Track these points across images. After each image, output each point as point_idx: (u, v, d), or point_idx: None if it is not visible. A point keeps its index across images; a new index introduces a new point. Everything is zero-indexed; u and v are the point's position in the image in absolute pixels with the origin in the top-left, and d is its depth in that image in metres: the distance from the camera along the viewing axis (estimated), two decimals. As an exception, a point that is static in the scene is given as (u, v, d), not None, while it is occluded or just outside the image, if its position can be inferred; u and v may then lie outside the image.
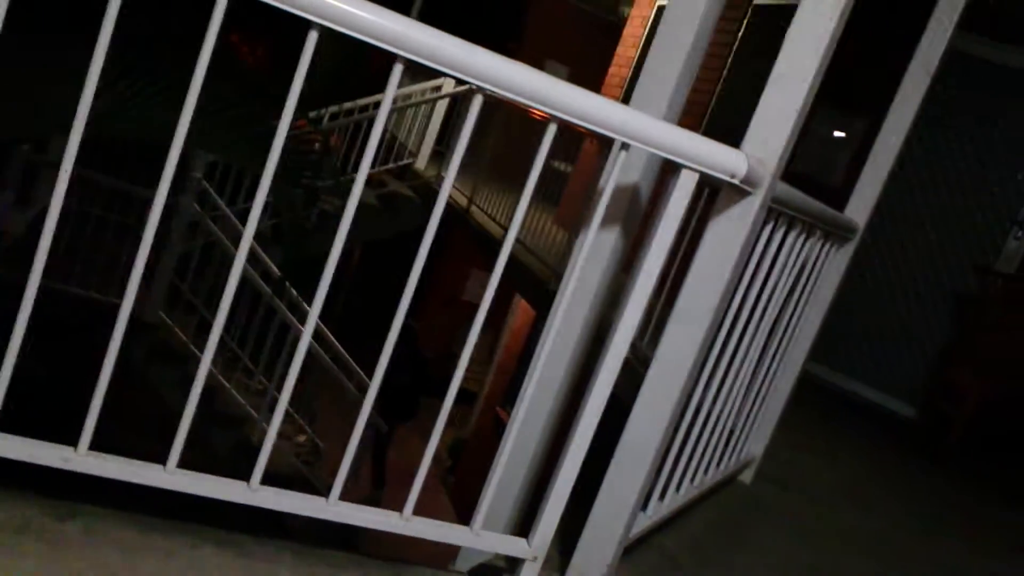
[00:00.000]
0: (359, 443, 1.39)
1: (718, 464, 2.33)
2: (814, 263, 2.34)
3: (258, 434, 5.63)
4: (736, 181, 1.41)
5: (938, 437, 4.51)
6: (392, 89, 1.18)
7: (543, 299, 5.41)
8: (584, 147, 7.07)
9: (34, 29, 1.98)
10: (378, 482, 8.33)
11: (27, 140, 4.69)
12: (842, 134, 5.85)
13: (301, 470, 5.89)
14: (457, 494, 9.86)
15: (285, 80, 1.14)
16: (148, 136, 2.06)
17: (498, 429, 9.62)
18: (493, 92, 1.18)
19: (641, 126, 1.30)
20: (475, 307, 1.35)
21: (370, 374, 1.37)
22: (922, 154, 5.40)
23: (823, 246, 2.36)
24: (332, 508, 1.36)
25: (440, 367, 9.29)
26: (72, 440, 1.19)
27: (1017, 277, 5.05)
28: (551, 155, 1.34)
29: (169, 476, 1.24)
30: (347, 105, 7.50)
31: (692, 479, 2.11)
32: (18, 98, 1.93)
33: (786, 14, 5.67)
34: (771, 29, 6.13)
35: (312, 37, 1.09)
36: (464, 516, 1.47)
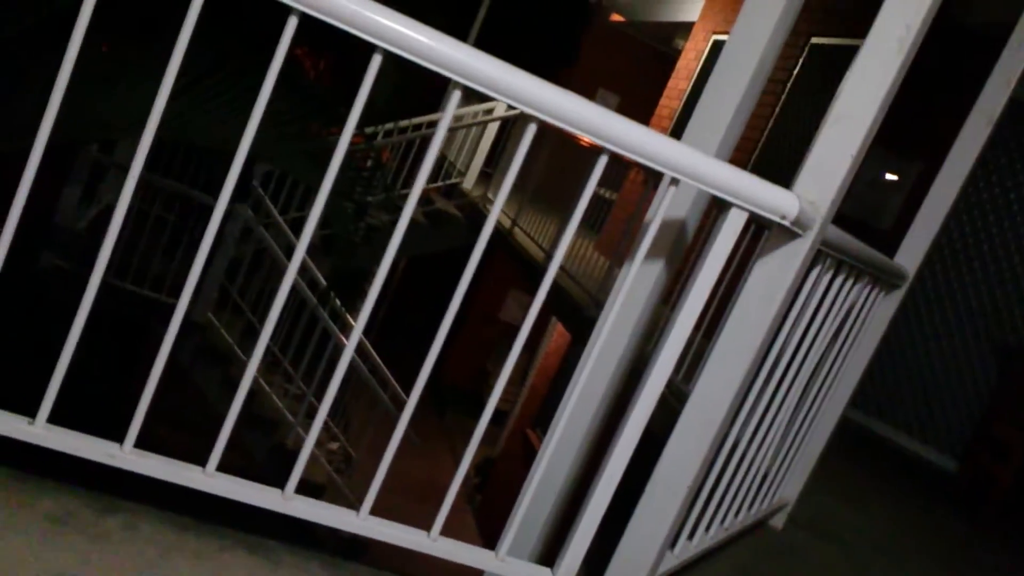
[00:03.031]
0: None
1: (750, 507, 2.29)
2: (860, 308, 2.31)
3: (293, 439, 5.70)
4: (786, 223, 1.40)
5: (979, 494, 4.38)
6: (450, 114, 1.20)
7: (580, 324, 5.40)
8: (629, 175, 7.07)
9: (108, 37, 2.06)
10: None
11: (97, 141, 4.84)
12: (894, 177, 5.77)
13: (333, 478, 5.94)
14: (482, 513, 9.83)
15: (345, 95, 1.17)
16: (210, 143, 2.13)
17: (527, 450, 9.59)
18: (549, 121, 1.20)
19: (693, 162, 1.30)
20: (511, 326, 1.36)
21: (405, 387, 1.38)
22: (976, 201, 5.30)
23: (871, 292, 2.32)
24: (362, 523, 1.38)
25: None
26: (113, 428, 1.23)
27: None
28: (597, 183, 1.35)
29: (208, 479, 1.26)
30: (400, 123, 7.63)
31: (723, 520, 2.09)
32: (92, 102, 2.00)
33: (843, 54, 5.60)
34: (827, 68, 6.10)
35: (376, 61, 1.12)
36: (488, 536, 1.47)
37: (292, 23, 1.10)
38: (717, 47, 7.70)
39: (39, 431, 1.18)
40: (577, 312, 5.41)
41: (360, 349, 6.09)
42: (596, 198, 6.70)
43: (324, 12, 1.06)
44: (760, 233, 1.59)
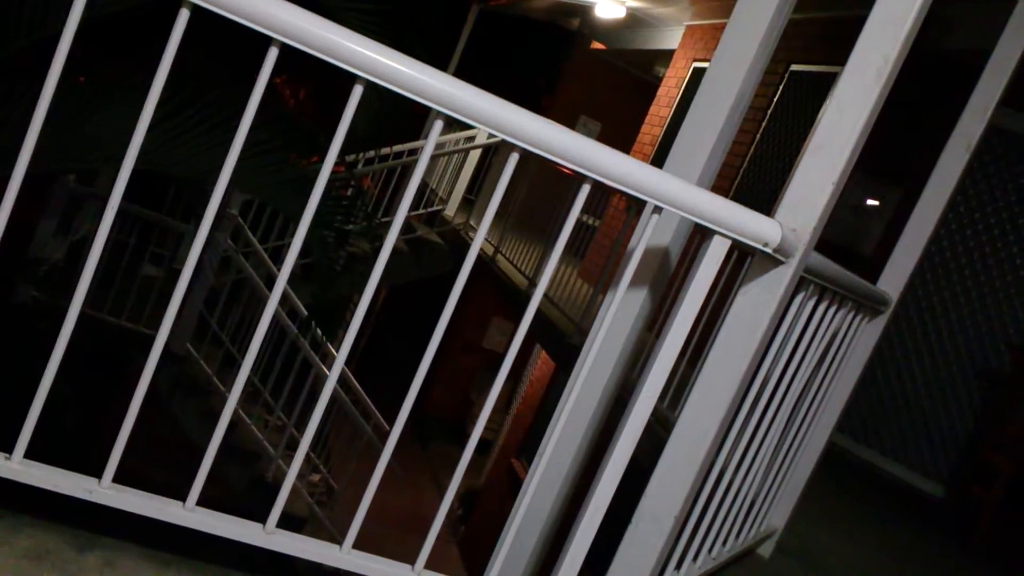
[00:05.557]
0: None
1: (737, 536, 2.28)
2: (844, 335, 2.32)
3: (273, 471, 5.62)
4: (769, 250, 1.40)
5: (967, 520, 4.38)
6: (431, 144, 1.20)
7: (564, 352, 5.38)
8: (612, 202, 7.10)
9: (87, 69, 2.04)
10: None
11: (74, 171, 4.81)
12: (875, 202, 5.83)
13: (314, 510, 5.86)
14: (466, 544, 9.73)
15: (325, 122, 1.17)
16: (189, 173, 2.12)
17: (512, 480, 9.52)
18: (531, 151, 1.19)
19: (675, 191, 1.30)
20: (494, 354, 1.35)
21: (388, 417, 1.37)
22: (958, 228, 5.36)
23: (854, 318, 2.33)
24: (345, 556, 1.35)
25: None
26: (91, 462, 1.20)
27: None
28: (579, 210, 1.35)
29: (188, 513, 1.24)
30: (381, 150, 7.63)
31: (710, 550, 2.07)
32: (70, 132, 1.99)
33: (822, 81, 5.66)
34: (807, 95, 6.17)
35: (357, 91, 1.11)
36: (472, 568, 1.45)
37: (273, 54, 1.09)
38: (697, 74, 7.78)
39: (16, 467, 1.15)
40: (561, 340, 5.40)
41: (342, 379, 6.04)
42: (579, 224, 6.72)
43: (306, 43, 1.06)
44: (743, 259, 1.59)
